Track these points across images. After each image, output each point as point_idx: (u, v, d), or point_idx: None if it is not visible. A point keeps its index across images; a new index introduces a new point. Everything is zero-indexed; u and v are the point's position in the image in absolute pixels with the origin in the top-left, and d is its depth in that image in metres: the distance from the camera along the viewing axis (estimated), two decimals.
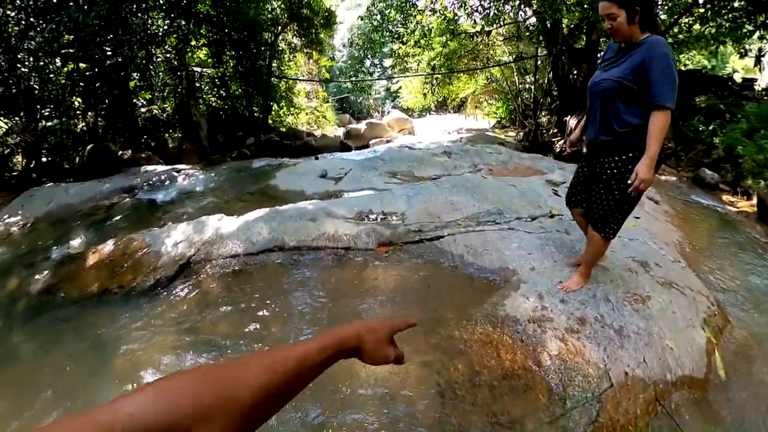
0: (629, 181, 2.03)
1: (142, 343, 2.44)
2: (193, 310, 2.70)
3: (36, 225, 4.85)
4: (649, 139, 1.99)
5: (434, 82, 14.55)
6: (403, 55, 13.64)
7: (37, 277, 3.39)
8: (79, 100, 8.26)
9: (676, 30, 8.75)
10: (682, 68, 10.94)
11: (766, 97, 8.84)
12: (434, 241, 3.25)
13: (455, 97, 17.13)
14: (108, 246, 3.43)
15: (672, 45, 8.73)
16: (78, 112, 8.34)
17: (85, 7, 6.60)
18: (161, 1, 8.93)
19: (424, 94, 16.09)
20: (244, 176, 6.36)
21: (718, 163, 7.06)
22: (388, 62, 18.41)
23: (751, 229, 4.78)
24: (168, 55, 9.82)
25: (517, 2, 9.48)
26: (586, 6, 7.29)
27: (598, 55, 8.57)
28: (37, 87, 7.50)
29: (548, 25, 9.09)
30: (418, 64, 14.24)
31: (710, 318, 2.63)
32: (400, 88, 20.70)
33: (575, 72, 9.85)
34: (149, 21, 8.59)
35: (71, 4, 6.67)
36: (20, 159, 7.44)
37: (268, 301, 2.71)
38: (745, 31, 8.26)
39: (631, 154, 2.09)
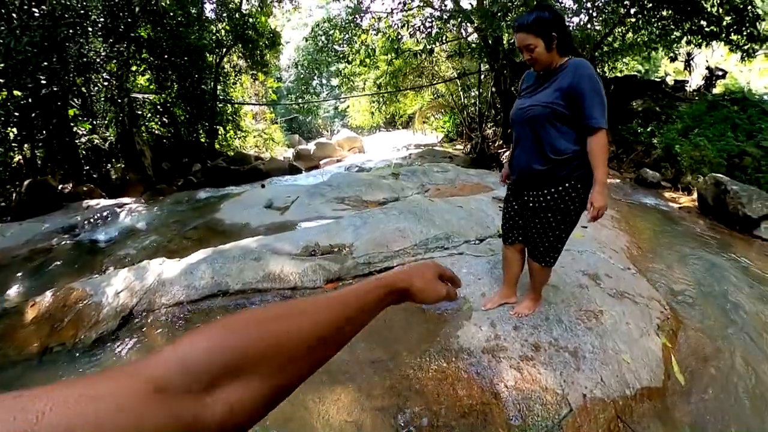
0: (587, 214, 1.98)
1: None
2: None
3: None
4: (596, 165, 1.93)
5: (381, 100, 14.63)
6: (349, 75, 13.68)
7: None
8: (14, 131, 7.70)
9: (611, 39, 9.21)
10: (619, 74, 11.48)
11: (697, 98, 9.38)
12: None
13: (403, 113, 17.33)
14: (47, 298, 3.14)
15: (608, 53, 9.20)
16: (14, 144, 7.78)
17: (18, 32, 6.23)
18: (99, 26, 8.54)
19: (372, 113, 16.17)
20: (188, 210, 6.12)
21: (658, 163, 7.41)
22: (335, 81, 18.38)
23: (694, 223, 4.99)
24: (106, 83, 9.39)
25: (459, 20, 9.66)
26: None
27: None
28: None
29: (489, 42, 9.29)
30: (365, 83, 14.34)
31: (663, 323, 2.65)
32: (348, 107, 20.67)
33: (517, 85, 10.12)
34: (87, 46, 8.17)
35: (2, 29, 6.27)
36: None
37: None
38: (673, 37, 8.88)
39: (567, 184, 2.03)
